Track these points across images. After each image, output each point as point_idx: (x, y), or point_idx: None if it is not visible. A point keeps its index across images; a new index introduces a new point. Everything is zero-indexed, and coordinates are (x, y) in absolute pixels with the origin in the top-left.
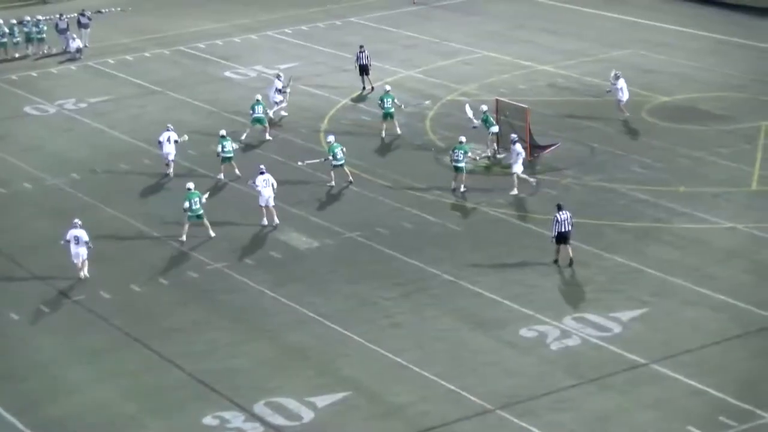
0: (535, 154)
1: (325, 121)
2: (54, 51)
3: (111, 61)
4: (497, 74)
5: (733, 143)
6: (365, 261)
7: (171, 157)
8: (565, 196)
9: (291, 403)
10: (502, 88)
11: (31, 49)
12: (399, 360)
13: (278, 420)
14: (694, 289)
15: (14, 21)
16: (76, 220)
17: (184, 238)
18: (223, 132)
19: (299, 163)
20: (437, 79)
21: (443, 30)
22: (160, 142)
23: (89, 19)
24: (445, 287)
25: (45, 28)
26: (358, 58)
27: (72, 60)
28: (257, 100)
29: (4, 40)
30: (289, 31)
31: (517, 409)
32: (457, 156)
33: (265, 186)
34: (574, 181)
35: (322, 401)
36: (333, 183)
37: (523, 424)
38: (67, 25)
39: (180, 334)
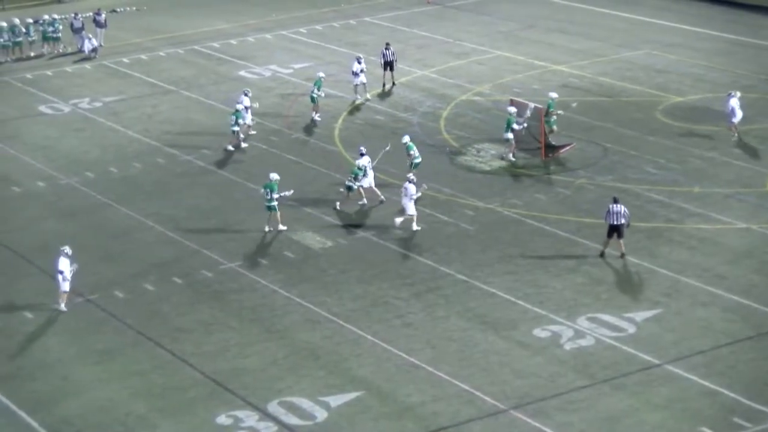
0: (550, 155)
1: (339, 120)
2: (69, 50)
3: (126, 60)
4: (511, 74)
5: (746, 143)
6: (378, 260)
7: (249, 121)
8: (579, 197)
9: (304, 403)
10: (515, 88)
11: (46, 48)
12: (411, 360)
13: (292, 419)
14: (707, 289)
15: (30, 20)
16: (63, 248)
17: (267, 228)
18: (238, 107)
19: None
20: (451, 79)
21: (456, 30)
22: (246, 108)
23: (104, 18)
24: (458, 287)
25: (60, 27)
26: (383, 55)
27: (87, 59)
28: (319, 78)
29: (20, 39)
30: (304, 31)
31: (529, 410)
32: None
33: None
34: (588, 181)
35: (335, 401)
36: (365, 201)
37: (536, 424)
38: (83, 24)
39: (192, 333)
